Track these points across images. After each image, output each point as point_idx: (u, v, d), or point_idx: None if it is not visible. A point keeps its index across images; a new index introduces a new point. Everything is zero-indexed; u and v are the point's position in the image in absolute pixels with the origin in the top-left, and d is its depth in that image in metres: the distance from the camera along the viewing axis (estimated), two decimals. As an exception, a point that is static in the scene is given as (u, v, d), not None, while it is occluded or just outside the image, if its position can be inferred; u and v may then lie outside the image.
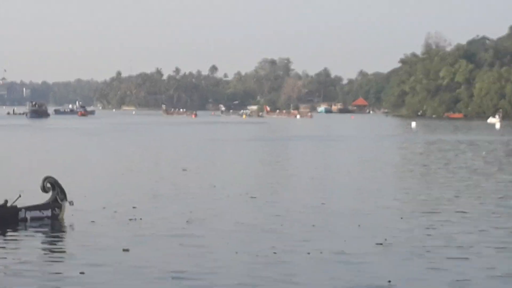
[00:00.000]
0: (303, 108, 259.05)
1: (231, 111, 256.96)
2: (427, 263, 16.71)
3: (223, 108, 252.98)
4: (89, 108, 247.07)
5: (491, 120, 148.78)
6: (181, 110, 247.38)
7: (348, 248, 18.46)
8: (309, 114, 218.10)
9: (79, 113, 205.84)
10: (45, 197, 22.30)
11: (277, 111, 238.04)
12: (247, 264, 16.49)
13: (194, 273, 15.53)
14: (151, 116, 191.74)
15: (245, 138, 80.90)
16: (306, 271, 15.93)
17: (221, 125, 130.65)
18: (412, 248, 18.49)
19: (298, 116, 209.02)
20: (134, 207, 24.79)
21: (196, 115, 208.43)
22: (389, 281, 15.07)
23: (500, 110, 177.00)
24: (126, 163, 45.07)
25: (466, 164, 46.33)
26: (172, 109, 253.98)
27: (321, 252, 17.70)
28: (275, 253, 17.68)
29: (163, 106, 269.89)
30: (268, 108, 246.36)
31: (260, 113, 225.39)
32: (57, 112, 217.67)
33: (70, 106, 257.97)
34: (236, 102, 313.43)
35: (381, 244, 18.95)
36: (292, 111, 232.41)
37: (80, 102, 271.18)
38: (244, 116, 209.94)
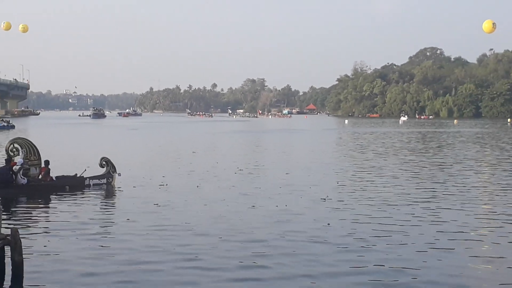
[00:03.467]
0: (273, 110, 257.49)
1: (236, 111, 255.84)
2: (349, 210, 16.88)
3: (230, 111, 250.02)
4: (139, 112, 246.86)
5: (402, 118, 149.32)
6: (200, 113, 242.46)
7: (302, 202, 18.58)
8: (289, 115, 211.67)
9: (123, 114, 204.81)
10: (102, 170, 22.35)
11: (266, 113, 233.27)
12: (237, 213, 16.60)
13: (201, 218, 15.62)
14: (175, 117, 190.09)
15: (238, 131, 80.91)
16: (269, 219, 16.01)
17: (228, 122, 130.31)
18: (343, 201, 18.65)
19: (270, 116, 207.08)
20: (163, 176, 24.85)
21: (211, 116, 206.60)
22: (328, 224, 15.18)
23: (403, 111, 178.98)
24: (156, 147, 44.97)
25: (378, 147, 46.60)
26: (194, 112, 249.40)
27: (286, 205, 17.78)
28: (253, 206, 17.79)
29: (187, 110, 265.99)
30: (260, 111, 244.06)
31: (254, 115, 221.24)
32: (119, 114, 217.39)
33: (127, 110, 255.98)
34: (229, 107, 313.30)
35: (324, 199, 19.07)
36: (277, 113, 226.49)
37: (132, 108, 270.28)
38: (234, 116, 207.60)
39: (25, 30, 29.93)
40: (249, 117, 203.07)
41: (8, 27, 29.07)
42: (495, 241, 13.42)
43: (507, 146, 46.61)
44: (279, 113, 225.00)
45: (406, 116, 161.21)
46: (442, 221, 15.55)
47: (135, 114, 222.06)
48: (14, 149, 21.56)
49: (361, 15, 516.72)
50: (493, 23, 21.42)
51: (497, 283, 10.46)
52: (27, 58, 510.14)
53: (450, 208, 17.43)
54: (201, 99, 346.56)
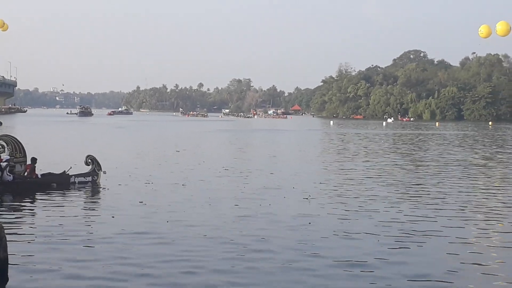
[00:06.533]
0: (258, 110, 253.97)
1: (226, 111, 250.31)
2: (332, 210, 16.96)
3: (224, 111, 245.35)
4: (130, 111, 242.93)
5: (388, 120, 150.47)
6: (193, 112, 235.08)
7: (285, 202, 18.66)
8: (285, 116, 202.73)
9: (107, 113, 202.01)
10: (87, 168, 22.28)
11: (261, 113, 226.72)
12: (220, 212, 16.63)
13: (186, 217, 15.64)
14: (166, 116, 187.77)
15: (226, 129, 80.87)
16: (252, 219, 16.08)
17: (224, 122, 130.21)
18: (326, 201, 18.74)
19: (256, 116, 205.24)
20: (150, 175, 24.82)
21: (205, 115, 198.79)
22: (309, 223, 15.24)
23: (387, 113, 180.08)
24: (142, 146, 44.89)
25: (363, 148, 46.83)
26: (188, 111, 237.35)
27: (270, 204, 17.87)
28: (237, 205, 17.83)
29: (180, 109, 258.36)
30: (254, 112, 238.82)
31: (248, 115, 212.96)
32: (114, 112, 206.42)
33: (120, 109, 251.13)
34: (215, 107, 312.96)
35: (306, 199, 19.16)
36: (271, 113, 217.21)
37: (124, 107, 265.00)
38: (220, 116, 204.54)
39: (4, 28, 29.52)
40: (244, 117, 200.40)
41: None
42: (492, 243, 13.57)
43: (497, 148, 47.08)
44: (272, 113, 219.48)
45: (391, 118, 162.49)
46: (424, 218, 15.69)
47: (127, 112, 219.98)
48: (0, 146, 21.47)
49: (346, 17, 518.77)
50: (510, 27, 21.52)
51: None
52: (14, 55, 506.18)
53: (430, 205, 17.60)
54: (187, 98, 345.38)
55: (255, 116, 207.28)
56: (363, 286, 10.22)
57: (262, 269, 10.98)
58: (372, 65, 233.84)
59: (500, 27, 21.68)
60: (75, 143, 47.21)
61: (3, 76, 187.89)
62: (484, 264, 11.68)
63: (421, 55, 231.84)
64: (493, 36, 22.95)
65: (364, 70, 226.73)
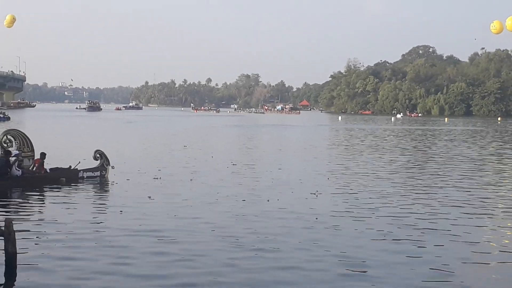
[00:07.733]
0: (268, 106, 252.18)
1: (235, 106, 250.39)
2: (339, 206, 16.88)
3: (235, 106, 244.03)
4: (140, 106, 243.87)
5: (397, 116, 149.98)
6: (204, 107, 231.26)
7: (293, 196, 18.60)
8: (298, 111, 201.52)
9: (115, 108, 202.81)
10: (96, 163, 22.30)
11: (275, 108, 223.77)
12: (228, 206, 16.59)
13: (193, 212, 15.62)
14: (177, 111, 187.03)
15: (236, 125, 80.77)
16: (260, 213, 16.02)
17: (234, 117, 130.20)
18: (333, 196, 18.69)
19: (265, 112, 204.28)
20: (159, 170, 24.81)
21: (217, 111, 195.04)
22: (316, 218, 15.17)
23: (395, 109, 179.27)
24: (151, 141, 44.89)
25: (371, 142, 46.67)
26: (199, 107, 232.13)
27: (278, 200, 17.82)
28: (244, 200, 17.80)
29: (192, 104, 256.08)
30: (266, 107, 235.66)
31: (260, 110, 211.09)
32: (125, 107, 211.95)
33: (130, 103, 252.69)
34: (223, 102, 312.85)
35: (314, 194, 19.11)
36: (280, 108, 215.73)
37: (134, 102, 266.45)
38: (228, 111, 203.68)
39: (10, 25, 29.34)
40: (256, 112, 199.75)
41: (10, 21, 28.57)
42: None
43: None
44: (280, 109, 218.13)
45: (401, 113, 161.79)
46: (432, 215, 15.60)
47: (137, 107, 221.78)
48: (8, 141, 21.50)
49: (355, 12, 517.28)
50: None
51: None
52: (23, 50, 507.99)
53: (439, 202, 17.50)
54: (195, 93, 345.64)
55: (266, 112, 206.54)
56: (367, 285, 10.16)
57: (268, 267, 10.91)
58: (381, 61, 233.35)
59: (510, 22, 21.50)
60: (84, 138, 47.32)
61: (12, 71, 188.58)
62: (492, 263, 11.60)
63: (430, 50, 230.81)
64: (503, 31, 22.76)
65: (372, 65, 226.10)
